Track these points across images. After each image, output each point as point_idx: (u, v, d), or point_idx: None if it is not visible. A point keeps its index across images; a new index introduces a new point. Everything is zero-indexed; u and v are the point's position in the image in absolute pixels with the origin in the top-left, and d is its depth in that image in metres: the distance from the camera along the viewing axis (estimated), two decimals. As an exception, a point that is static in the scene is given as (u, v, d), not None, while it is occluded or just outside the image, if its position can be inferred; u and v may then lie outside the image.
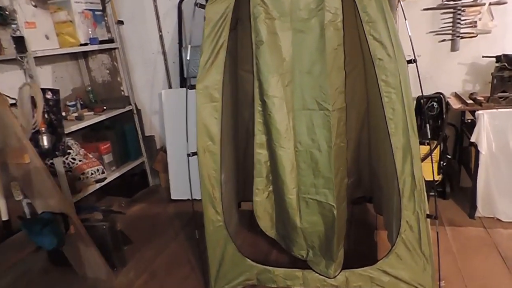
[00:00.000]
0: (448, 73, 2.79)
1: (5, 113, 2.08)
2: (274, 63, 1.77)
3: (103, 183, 3.10)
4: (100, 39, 3.19)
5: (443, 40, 2.71)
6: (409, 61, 1.67)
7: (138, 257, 2.56)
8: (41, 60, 3.02)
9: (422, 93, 1.76)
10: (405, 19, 1.63)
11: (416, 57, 2.73)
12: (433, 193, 2.85)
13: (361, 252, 2.32)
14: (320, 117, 1.79)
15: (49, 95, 2.53)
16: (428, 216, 1.76)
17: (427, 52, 2.77)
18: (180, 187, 3.27)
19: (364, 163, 2.65)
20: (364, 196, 2.84)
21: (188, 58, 2.10)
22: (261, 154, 2.01)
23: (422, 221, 1.76)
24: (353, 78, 2.27)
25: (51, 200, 2.24)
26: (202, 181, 1.86)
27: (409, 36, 1.65)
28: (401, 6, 1.65)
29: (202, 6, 1.77)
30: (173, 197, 3.36)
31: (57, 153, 2.59)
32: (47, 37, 2.77)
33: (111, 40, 3.32)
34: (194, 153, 1.85)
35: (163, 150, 3.53)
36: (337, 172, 1.86)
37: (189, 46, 2.18)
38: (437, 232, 1.82)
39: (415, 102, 2.73)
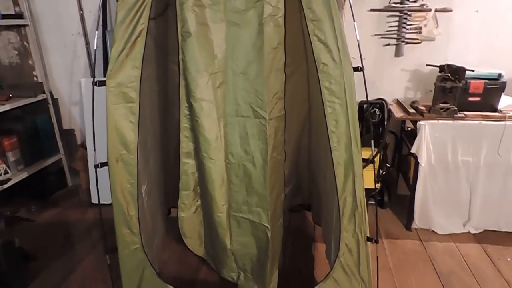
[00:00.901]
0: (391, 78, 2.70)
1: None
2: (204, 60, 1.49)
3: (5, 186, 2.63)
4: (3, 12, 2.68)
5: (388, 44, 2.60)
6: (356, 69, 1.48)
7: (43, 277, 2.17)
8: None
9: (367, 98, 1.57)
10: (354, 21, 1.43)
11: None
12: (371, 202, 2.81)
13: (297, 269, 2.15)
14: (255, 126, 1.55)
15: None
16: (368, 239, 1.61)
17: (371, 55, 2.65)
18: (102, 189, 2.88)
19: (304, 168, 2.50)
20: (303, 204, 2.69)
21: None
22: (188, 164, 1.73)
23: (362, 245, 1.61)
24: (294, 80, 2.08)
25: None
26: (114, 196, 1.55)
27: (357, 40, 1.46)
28: (350, 4, 1.44)
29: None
30: (94, 200, 2.97)
31: None
32: None
33: (19, 15, 2.81)
34: (104, 164, 1.52)
35: (84, 146, 3.10)
36: (272, 188, 1.64)
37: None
38: (377, 257, 1.68)
39: (357, 107, 2.65)
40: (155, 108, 1.96)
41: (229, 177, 1.66)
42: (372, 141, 1.71)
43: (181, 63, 1.53)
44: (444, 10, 2.50)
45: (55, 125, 3.09)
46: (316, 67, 1.45)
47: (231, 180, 1.66)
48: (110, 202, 1.58)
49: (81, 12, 2.83)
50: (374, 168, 1.92)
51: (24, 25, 2.85)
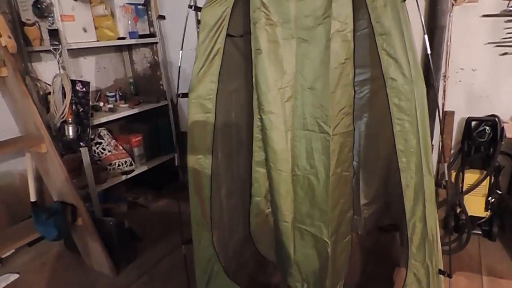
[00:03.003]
0: (508, 93, 2.32)
1: (26, 101, 2.16)
2: (273, 75, 1.57)
3: (129, 176, 3.15)
4: (141, 33, 3.23)
5: (505, 53, 2.25)
6: (427, 83, 1.36)
7: (145, 256, 2.55)
8: (85, 51, 3.15)
9: (439, 114, 1.43)
10: (424, 33, 1.33)
11: (472, 71, 2.37)
12: (478, 232, 2.48)
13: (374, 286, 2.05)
14: (320, 141, 1.55)
15: (79, 87, 2.61)
16: (440, 271, 1.46)
17: (484, 66, 2.33)
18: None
19: (395, 187, 2.33)
20: (394, 224, 2.53)
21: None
22: (259, 172, 1.84)
23: (432, 277, 1.47)
24: (382, 96, 1.98)
25: (63, 190, 2.31)
26: (191, 196, 1.75)
27: (428, 54, 1.34)
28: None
29: (198, 9, 1.63)
30: (198, 195, 3.32)
31: (81, 143, 2.67)
32: (84, 30, 2.84)
33: (152, 35, 3.35)
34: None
35: (196, 147, 3.49)
36: (335, 204, 1.61)
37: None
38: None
39: (464, 124, 2.38)
40: (243, 118, 2.11)
41: (294, 189, 1.70)
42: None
43: (254, 78, 1.64)
44: None
45: (173, 128, 3.56)
46: (385, 82, 1.39)
47: (296, 191, 1.69)
48: None
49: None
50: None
51: (155, 43, 3.38)
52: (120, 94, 3.40)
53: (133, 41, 3.19)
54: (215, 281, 1.84)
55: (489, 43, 2.27)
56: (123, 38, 3.10)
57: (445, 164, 1.80)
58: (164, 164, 3.58)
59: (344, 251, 1.76)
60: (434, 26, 2.22)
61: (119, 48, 3.54)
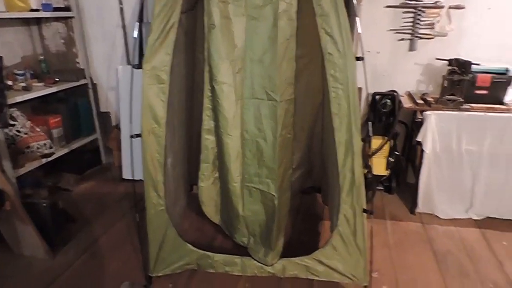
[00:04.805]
0: (404, 72, 2.85)
1: None
2: (225, 48, 1.73)
3: (50, 159, 2.97)
4: (54, 5, 3.02)
5: (402, 39, 2.75)
6: (358, 58, 1.67)
7: (80, 236, 2.50)
8: (-13, 22, 2.84)
9: (366, 86, 1.75)
10: (356, 16, 1.63)
11: (376, 53, 2.82)
12: (380, 187, 2.98)
13: (304, 241, 2.38)
14: (268, 107, 1.78)
15: (-12, 62, 2.38)
16: (364, 211, 1.81)
17: (386, 49, 2.81)
18: (134, 166, 3.19)
19: (316, 154, 2.70)
20: (314, 186, 2.90)
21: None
22: (208, 140, 1.98)
23: (358, 215, 1.81)
24: (310, 71, 2.28)
25: (-14, 173, 2.14)
26: (144, 163, 1.82)
27: (359, 33, 1.65)
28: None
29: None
30: (125, 176, 3.29)
31: (-2, 124, 2.45)
32: (-8, -1, 2.58)
33: (67, 8, 3.15)
34: (138, 135, 1.79)
35: (118, 127, 3.43)
36: (281, 162, 1.87)
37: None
38: (371, 227, 1.88)
39: (370, 98, 2.83)
40: (182, 92, 2.21)
41: (243, 152, 1.90)
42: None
43: (206, 51, 1.77)
44: (457, 7, 2.62)
45: (93, 108, 3.43)
46: (323, 56, 1.66)
47: (245, 154, 1.90)
48: (139, 178, 1.85)
49: (121, 6, 3.14)
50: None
51: (71, 17, 3.18)
52: (31, 72, 3.16)
53: (47, 14, 2.98)
54: (169, 243, 1.95)
55: (390, 30, 2.74)
56: (36, 10, 2.88)
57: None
58: (85, 147, 3.45)
59: (285, 204, 2.03)
60: (348, 14, 2.59)
61: (26, 22, 3.23)
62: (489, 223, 2.58)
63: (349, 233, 1.84)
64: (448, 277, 2.09)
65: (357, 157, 1.75)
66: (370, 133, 1.83)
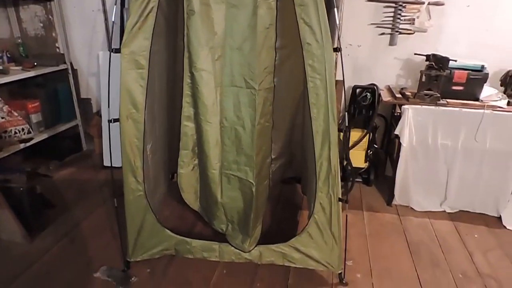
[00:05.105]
0: (384, 66, 2.90)
1: None
2: (205, 35, 1.73)
3: (28, 144, 2.93)
4: (33, -13, 2.96)
5: (383, 34, 2.79)
6: (335, 49, 1.70)
7: (59, 222, 2.48)
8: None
9: (343, 77, 1.75)
10: (335, 7, 1.65)
11: (357, 47, 2.85)
12: (359, 179, 3.04)
13: (282, 230, 2.41)
14: (247, 95, 1.79)
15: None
16: (339, 199, 1.85)
17: (367, 43, 2.85)
18: (113, 153, 3.17)
19: (297, 144, 2.73)
20: (295, 177, 2.94)
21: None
22: (187, 126, 1.99)
23: (334, 204, 1.84)
24: (291, 62, 2.29)
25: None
26: (123, 148, 1.81)
27: (337, 24, 1.67)
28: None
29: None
30: (106, 163, 3.27)
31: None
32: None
33: (46, -10, 3.09)
34: (117, 120, 1.78)
35: (99, 114, 3.39)
36: (259, 150, 1.89)
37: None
38: (346, 215, 1.92)
39: (350, 91, 2.87)
40: (163, 79, 2.20)
41: (222, 139, 1.91)
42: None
43: (185, 37, 1.77)
44: (437, 4, 2.68)
45: (74, 94, 3.38)
46: (302, 46, 1.67)
47: (224, 141, 1.91)
48: (119, 165, 1.84)
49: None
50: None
51: (50, 0, 3.12)
52: (8, 55, 3.09)
53: (27, -4, 2.91)
54: (147, 229, 1.96)
55: (371, 23, 2.78)
56: (16, -8, 2.82)
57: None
58: (65, 133, 3.40)
59: (263, 192, 2.05)
60: (330, 7, 2.61)
61: (2, 3, 3.16)
62: (462, 216, 2.66)
63: (324, 221, 1.88)
64: (420, 266, 2.16)
65: (333, 147, 1.78)
66: (346, 124, 1.84)
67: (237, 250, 1.99)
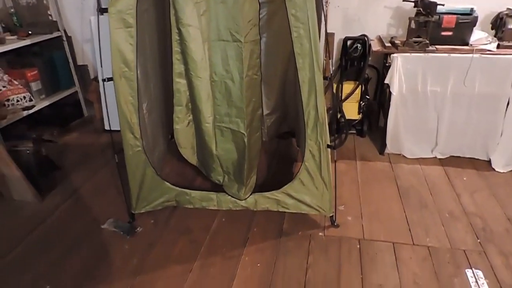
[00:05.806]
0: (375, 16, 2.89)
1: None
2: (189, -10, 1.76)
3: (31, 111, 3.02)
4: (20, -47, 2.94)
5: (372, -18, 2.77)
6: (317, -4, 1.72)
7: (66, 182, 2.63)
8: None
9: (326, 29, 1.79)
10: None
11: (347, -2, 2.82)
12: (352, 131, 3.12)
13: (277, 181, 2.51)
14: (234, 49, 1.84)
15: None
16: (328, 146, 1.93)
17: (357, -7, 2.83)
18: (113, 117, 3.26)
19: (290, 99, 2.79)
20: (290, 131, 3.03)
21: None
22: (180, 83, 2.06)
23: (323, 150, 1.93)
24: (280, 16, 2.30)
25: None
26: (119, 106, 1.89)
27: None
28: None
29: None
30: (107, 127, 3.37)
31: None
32: None
33: (34, -44, 3.06)
34: (110, 79, 1.85)
35: (97, 80, 3.45)
36: (249, 102, 1.96)
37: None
38: (335, 161, 2.02)
39: (341, 43, 2.88)
40: (154, 38, 2.24)
41: (213, 93, 1.98)
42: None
43: (170, -7, 1.80)
44: None
45: (70, 61, 3.43)
46: (284, -3, 1.70)
47: (215, 95, 1.99)
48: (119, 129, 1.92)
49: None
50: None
51: (38, -35, 3.10)
52: (3, 25, 3.12)
53: (14, -37, 2.90)
54: (148, 182, 2.08)
55: (359, -28, 2.75)
56: (2, -41, 2.80)
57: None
58: (66, 100, 3.48)
59: (256, 143, 2.15)
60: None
61: (-7, -28, 3.15)
62: (452, 161, 2.75)
63: (315, 167, 1.97)
64: (408, 208, 2.28)
65: (319, 95, 1.84)
66: (331, 71, 1.89)
67: (234, 199, 2.12)
